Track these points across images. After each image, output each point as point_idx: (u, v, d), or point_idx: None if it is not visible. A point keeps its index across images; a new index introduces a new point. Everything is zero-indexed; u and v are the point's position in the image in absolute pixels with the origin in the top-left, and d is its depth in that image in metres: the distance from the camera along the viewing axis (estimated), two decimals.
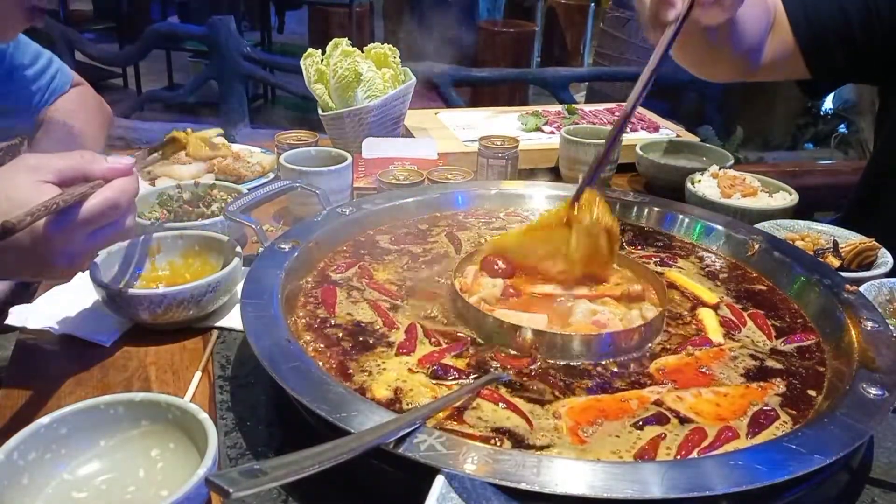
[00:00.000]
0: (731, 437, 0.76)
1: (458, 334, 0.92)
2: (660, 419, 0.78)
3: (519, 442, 0.74)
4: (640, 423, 0.77)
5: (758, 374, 0.88)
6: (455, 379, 0.83)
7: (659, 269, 1.11)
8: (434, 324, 0.94)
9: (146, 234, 1.11)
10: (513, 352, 0.88)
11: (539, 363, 0.86)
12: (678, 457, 0.73)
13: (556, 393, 0.81)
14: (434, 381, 0.83)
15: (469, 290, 1.00)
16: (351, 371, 0.84)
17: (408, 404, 0.79)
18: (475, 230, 1.22)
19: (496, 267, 1.04)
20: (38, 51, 1.51)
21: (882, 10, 1.30)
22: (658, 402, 0.81)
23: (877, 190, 1.48)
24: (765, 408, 0.81)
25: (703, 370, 0.87)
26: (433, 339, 0.91)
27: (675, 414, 0.79)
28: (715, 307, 1.01)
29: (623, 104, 2.04)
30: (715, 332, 0.96)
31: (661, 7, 0.99)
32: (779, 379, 0.87)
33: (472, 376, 0.84)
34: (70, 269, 0.86)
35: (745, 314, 1.00)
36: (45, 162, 0.83)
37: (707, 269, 1.13)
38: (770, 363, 0.90)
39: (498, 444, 0.73)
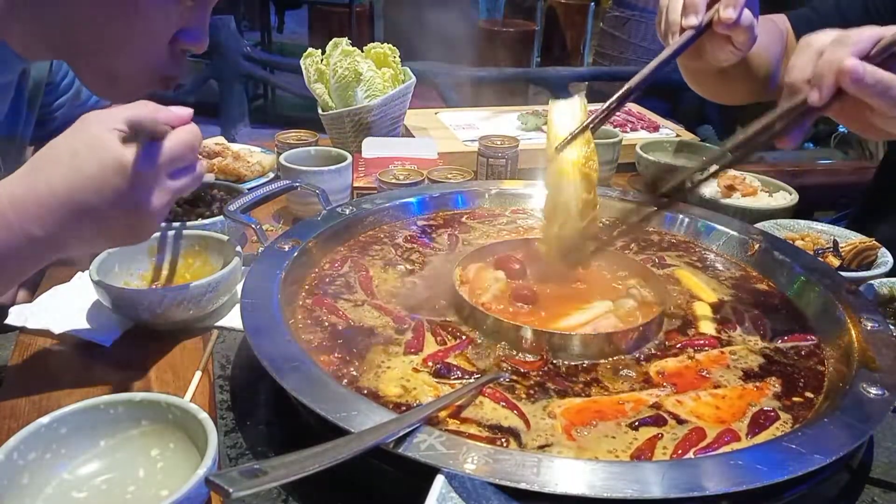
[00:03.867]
0: (730, 440, 0.75)
1: (462, 332, 0.92)
2: (656, 420, 0.78)
3: (516, 441, 0.74)
4: (636, 423, 0.77)
5: (754, 374, 0.88)
6: (458, 378, 0.83)
7: (659, 270, 1.11)
8: (441, 322, 0.94)
9: None
10: (524, 354, 0.88)
11: (546, 365, 0.86)
12: (675, 456, 0.73)
13: (554, 392, 0.81)
14: (437, 380, 0.83)
15: (469, 283, 1.00)
16: (354, 370, 0.84)
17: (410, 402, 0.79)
18: (476, 230, 1.22)
19: (511, 266, 1.04)
20: None
21: (883, 16, 1.30)
22: (656, 406, 0.80)
23: (889, 190, 1.49)
24: (765, 408, 0.81)
25: (703, 373, 0.87)
26: (439, 338, 0.91)
27: (675, 417, 0.79)
28: (714, 306, 1.01)
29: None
30: (707, 324, 0.96)
31: (686, 11, 1.03)
32: (773, 378, 0.87)
33: (476, 375, 0.84)
34: (159, 218, 0.83)
35: (745, 315, 1.00)
36: (111, 114, 0.80)
37: (707, 269, 1.13)
38: (766, 363, 0.90)
39: (504, 444, 0.73)
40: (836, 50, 0.80)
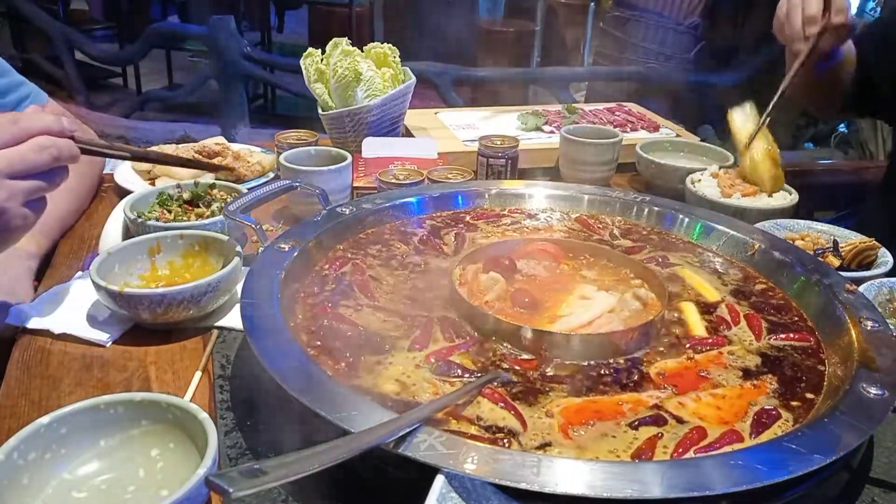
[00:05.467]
0: (733, 440, 0.75)
1: (464, 332, 0.92)
2: (656, 420, 0.78)
3: (515, 441, 0.74)
4: (636, 423, 0.77)
5: (752, 374, 0.88)
6: (458, 376, 0.83)
7: (663, 269, 1.11)
8: (446, 320, 0.94)
9: (146, 234, 1.11)
10: (523, 354, 0.88)
11: (545, 365, 0.86)
12: (675, 455, 0.73)
13: (553, 391, 0.81)
14: (437, 377, 0.83)
15: (468, 284, 1.00)
16: (354, 364, 0.84)
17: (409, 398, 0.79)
18: (481, 231, 1.22)
19: (501, 264, 1.04)
20: (6, 69, 1.39)
21: None
22: (657, 407, 0.80)
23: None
24: (766, 407, 0.81)
25: (703, 374, 0.87)
26: (447, 335, 0.91)
27: (677, 418, 0.79)
28: (713, 306, 1.01)
29: (623, 104, 2.06)
30: (696, 325, 0.96)
31: (806, 24, 1.35)
32: (770, 376, 0.87)
33: (476, 374, 0.84)
34: (8, 218, 0.84)
35: (740, 314, 1.00)
36: None
37: (708, 269, 1.13)
38: (764, 362, 0.90)
39: (506, 444, 0.73)
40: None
